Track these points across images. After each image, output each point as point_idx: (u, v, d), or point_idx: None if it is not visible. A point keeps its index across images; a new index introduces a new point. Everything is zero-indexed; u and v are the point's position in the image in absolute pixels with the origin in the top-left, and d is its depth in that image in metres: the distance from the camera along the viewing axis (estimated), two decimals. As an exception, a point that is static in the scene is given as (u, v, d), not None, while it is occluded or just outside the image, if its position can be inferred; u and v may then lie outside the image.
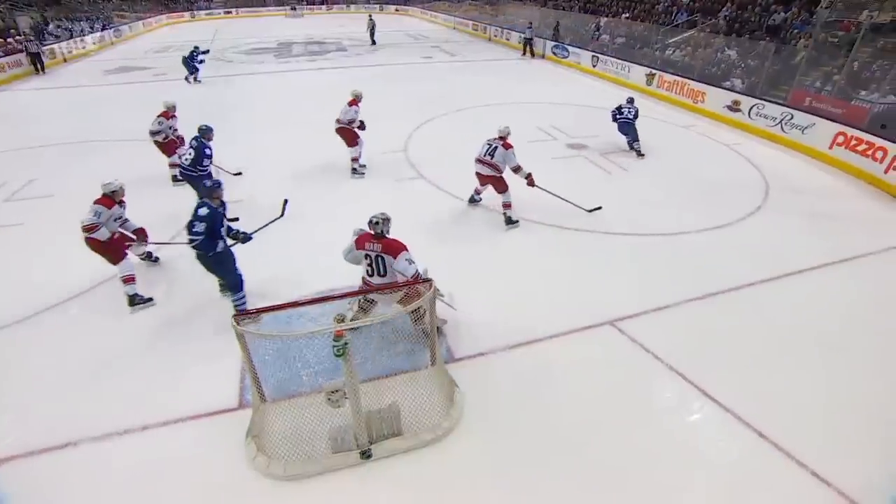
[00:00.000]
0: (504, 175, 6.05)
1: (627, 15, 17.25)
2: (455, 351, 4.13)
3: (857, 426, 3.51)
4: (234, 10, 38.46)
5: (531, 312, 4.61)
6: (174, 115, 7.34)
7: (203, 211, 4.05)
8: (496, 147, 5.92)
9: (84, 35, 21.26)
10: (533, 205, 6.50)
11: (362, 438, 3.16)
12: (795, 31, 11.36)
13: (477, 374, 3.87)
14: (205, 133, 6.14)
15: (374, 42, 22.03)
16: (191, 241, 4.08)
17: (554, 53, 17.87)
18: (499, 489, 3.07)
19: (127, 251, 4.85)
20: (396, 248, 3.75)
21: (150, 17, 31.24)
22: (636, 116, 8.47)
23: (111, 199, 4.73)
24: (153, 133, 7.14)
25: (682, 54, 13.39)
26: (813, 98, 9.71)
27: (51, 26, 20.90)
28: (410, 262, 3.72)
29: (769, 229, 6.21)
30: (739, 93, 10.65)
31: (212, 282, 4.98)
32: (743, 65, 11.57)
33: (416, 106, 11.51)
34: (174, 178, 7.38)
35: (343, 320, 2.76)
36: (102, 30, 23.28)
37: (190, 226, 4.06)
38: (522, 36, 18.89)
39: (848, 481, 3.08)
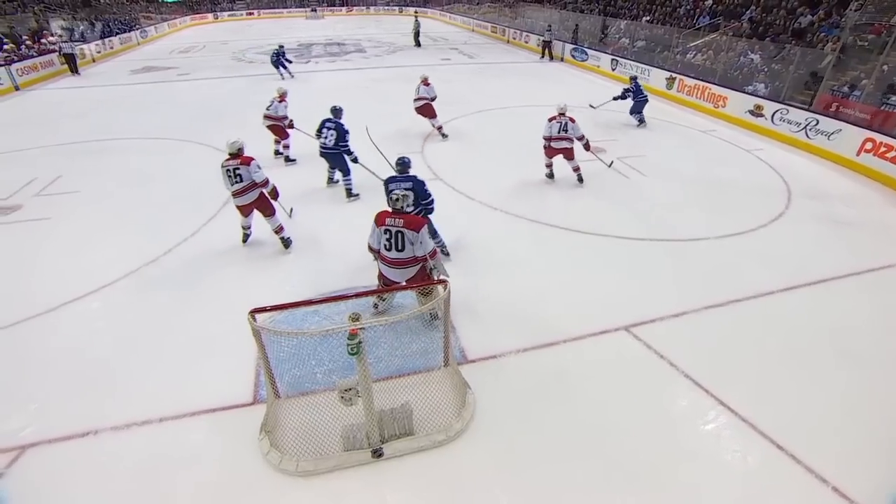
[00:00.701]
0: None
1: (648, 18, 17.07)
2: (468, 352, 4.13)
3: (879, 440, 3.41)
4: (256, 11, 39.15)
5: (545, 315, 4.58)
6: (286, 101, 8.06)
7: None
8: (566, 122, 6.94)
9: (112, 36, 21.82)
10: (553, 210, 6.49)
11: (374, 437, 3.18)
12: (822, 34, 11.10)
13: (489, 376, 3.87)
14: (337, 113, 6.77)
15: (418, 44, 21.68)
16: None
17: (573, 56, 17.77)
18: (509, 492, 3.06)
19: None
20: (418, 223, 3.94)
21: (175, 18, 31.95)
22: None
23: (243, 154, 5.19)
24: (278, 118, 7.88)
25: (704, 58, 13.19)
26: (840, 103, 9.46)
27: (81, 28, 21.51)
28: (428, 237, 3.98)
29: (791, 237, 6.08)
30: (762, 97, 10.45)
31: (228, 276, 5.09)
32: (766, 69, 11.35)
33: (438, 108, 11.51)
34: (287, 159, 8.26)
35: (357, 319, 2.78)
36: (129, 31, 23.88)
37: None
38: (541, 38, 18.84)
39: (868, 496, 3.00)
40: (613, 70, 15.38)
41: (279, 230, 5.60)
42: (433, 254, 4.01)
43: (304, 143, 8.07)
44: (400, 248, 3.93)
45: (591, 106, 10.90)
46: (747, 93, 10.87)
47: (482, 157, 8.51)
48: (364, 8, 42.28)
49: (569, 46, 18.09)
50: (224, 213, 6.52)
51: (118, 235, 6.05)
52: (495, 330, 4.40)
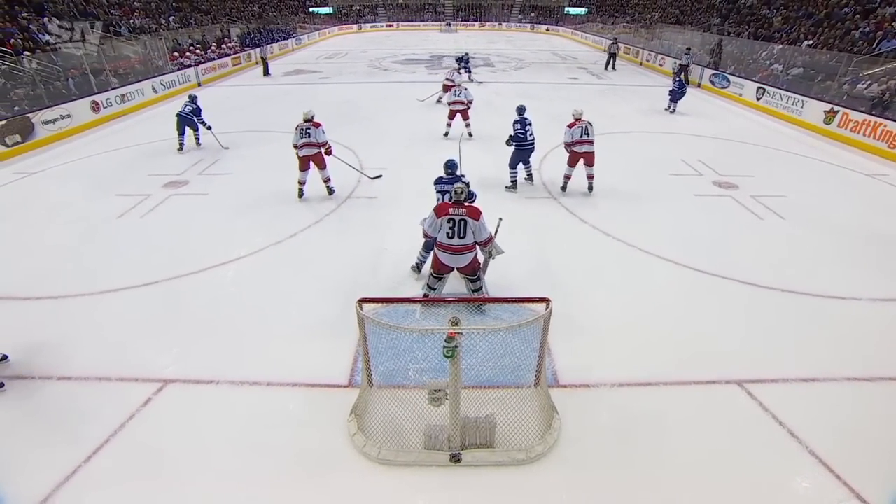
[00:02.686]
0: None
1: (811, 42, 15.17)
2: (561, 377, 4.01)
3: None
4: (395, 23, 42.11)
5: (648, 352, 4.28)
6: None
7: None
8: (587, 125, 7.17)
9: (274, 42, 24.96)
10: (669, 242, 6.07)
11: (455, 442, 3.22)
12: None
13: (580, 405, 3.71)
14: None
15: (613, 68, 20.64)
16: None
17: (711, 83, 16.43)
18: (584, 530, 2.91)
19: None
20: (478, 212, 4.35)
21: (325, 28, 35.63)
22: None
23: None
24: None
25: (881, 89, 11.34)
26: None
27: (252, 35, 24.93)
28: (486, 225, 4.40)
29: (977, 313, 4.98)
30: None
31: (341, 264, 5.52)
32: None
33: (556, 127, 11.41)
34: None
35: (457, 323, 2.86)
36: (287, 38, 27.12)
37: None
38: (678, 62, 17.68)
39: None
40: (758, 100, 13.92)
41: (327, 180, 7.36)
42: (489, 239, 4.44)
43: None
44: (462, 234, 4.31)
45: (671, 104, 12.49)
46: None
47: (596, 180, 8.20)
48: (496, 24, 43.31)
49: (708, 72, 16.77)
50: (344, 208, 7.12)
51: (256, 215, 6.90)
52: (592, 358, 4.21)
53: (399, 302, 4.26)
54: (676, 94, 12.57)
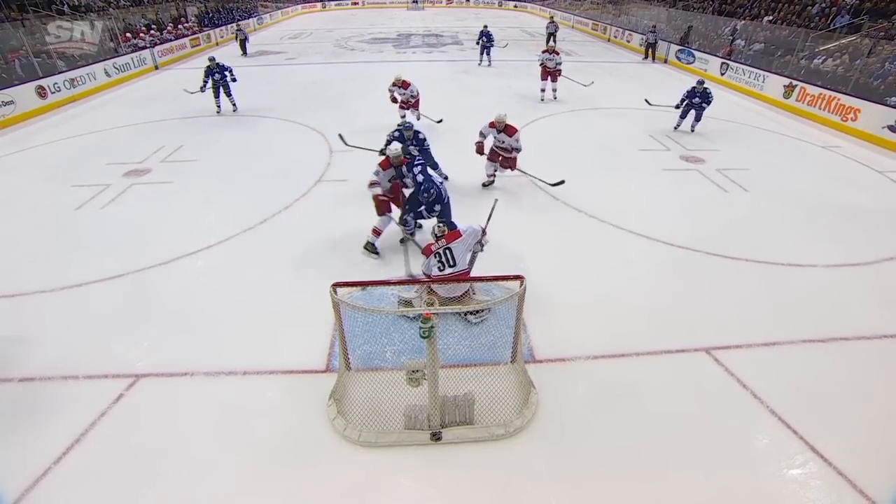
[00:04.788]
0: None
1: (771, 17, 15.50)
2: (537, 352, 4.09)
3: None
4: (360, 0, 40.85)
5: (620, 325, 4.41)
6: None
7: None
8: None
9: (233, 22, 23.93)
10: (637, 217, 6.20)
11: (435, 420, 3.27)
12: None
13: (556, 379, 3.81)
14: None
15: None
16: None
17: (678, 58, 16.66)
18: (559, 496, 3.01)
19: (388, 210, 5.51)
20: (457, 232, 4.31)
21: (287, 6, 34.31)
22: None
23: (389, 161, 5.38)
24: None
25: (836, 64, 11.75)
26: None
27: (210, 14, 23.81)
28: (470, 236, 4.34)
29: (922, 275, 5.30)
30: (907, 112, 9.11)
31: (315, 249, 5.44)
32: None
33: (527, 104, 11.44)
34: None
35: (432, 304, 2.87)
36: (248, 18, 26.03)
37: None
38: (644, 39, 17.87)
39: None
40: (722, 75, 14.23)
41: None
42: (482, 235, 4.39)
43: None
44: (452, 263, 4.25)
45: (647, 102, 10.34)
46: (889, 105, 9.52)
47: (567, 157, 8.28)
48: (464, 1, 42.56)
49: (674, 47, 16.99)
50: (315, 191, 6.98)
51: (224, 202, 6.70)
52: (567, 333, 4.31)
53: (373, 284, 4.24)
54: (685, 112, 9.67)
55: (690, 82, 9.62)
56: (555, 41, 18.75)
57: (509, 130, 6.57)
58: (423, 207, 5.21)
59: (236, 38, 18.84)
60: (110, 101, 12.33)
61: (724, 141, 9.31)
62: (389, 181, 5.38)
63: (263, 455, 3.24)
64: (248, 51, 18.85)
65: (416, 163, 5.37)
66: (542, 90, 11.61)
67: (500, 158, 6.87)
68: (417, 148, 6.42)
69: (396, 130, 6.54)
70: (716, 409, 3.63)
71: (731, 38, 15.66)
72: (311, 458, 3.24)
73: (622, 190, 7.14)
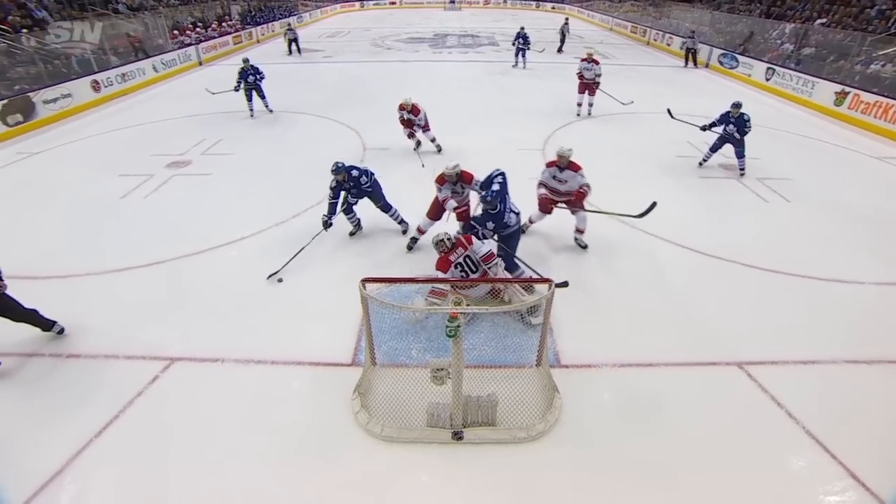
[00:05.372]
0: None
1: (824, 20, 14.79)
2: (562, 357, 4.04)
3: None
4: (398, 0, 41.23)
5: (650, 334, 4.31)
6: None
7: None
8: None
9: (275, 21, 24.58)
10: (670, 224, 6.03)
11: (457, 419, 3.28)
12: None
13: (581, 385, 3.75)
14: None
15: (560, 50, 19.34)
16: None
17: (720, 63, 16.11)
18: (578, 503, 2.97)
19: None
20: (469, 239, 4.25)
21: (326, 5, 34.98)
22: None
23: (444, 178, 5.09)
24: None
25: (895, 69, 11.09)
26: None
27: (253, 13, 24.52)
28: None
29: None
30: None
31: (344, 245, 5.53)
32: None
33: (562, 107, 11.31)
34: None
35: (460, 304, 2.88)
36: (289, 16, 26.66)
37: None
38: (684, 44, 17.22)
39: None
40: (767, 80, 13.67)
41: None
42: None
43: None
44: (474, 269, 4.24)
45: (669, 113, 8.71)
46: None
47: (600, 163, 8.13)
48: (501, 2, 42.39)
49: (717, 51, 16.43)
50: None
51: (259, 195, 6.90)
52: (594, 339, 4.24)
53: (402, 282, 4.28)
54: (717, 145, 7.77)
55: (733, 88, 9.25)
56: (563, 42, 18.67)
57: (573, 167, 5.33)
58: (492, 224, 4.70)
59: (285, 37, 18.68)
60: (156, 96, 12.87)
61: (766, 149, 8.94)
62: (451, 195, 5.17)
63: (287, 442, 3.32)
64: (301, 49, 18.53)
65: (496, 174, 4.87)
66: (579, 104, 10.71)
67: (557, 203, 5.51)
68: (355, 189, 5.52)
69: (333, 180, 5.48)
70: (747, 426, 3.50)
71: (779, 42, 15.02)
72: (334, 448, 3.30)
73: (658, 196, 6.92)
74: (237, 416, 3.53)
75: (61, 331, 4.26)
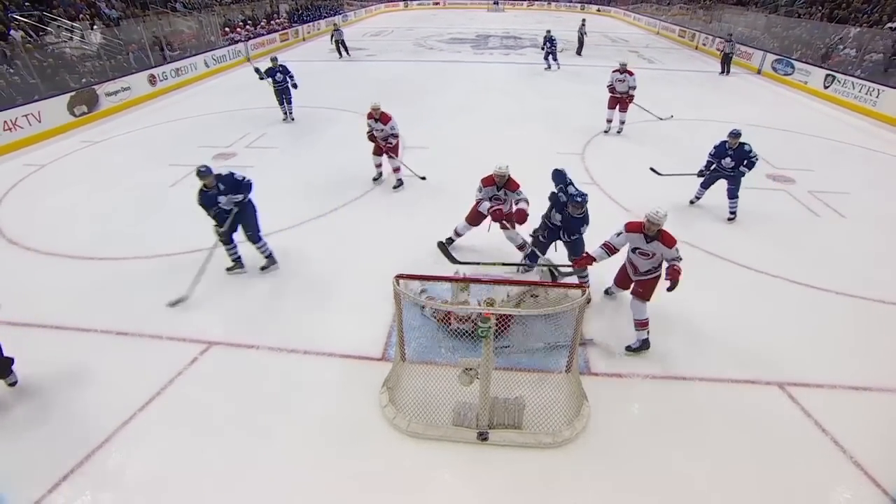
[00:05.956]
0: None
1: (895, 24, 13.85)
2: (593, 365, 3.98)
3: None
4: (441, 0, 41.43)
5: (685, 346, 4.19)
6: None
7: None
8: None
9: (321, 19, 25.17)
10: (714, 237, 5.82)
11: (483, 420, 3.28)
12: None
13: (611, 394, 3.69)
14: None
15: (579, 53, 19.10)
16: None
17: (774, 69, 15.37)
18: (605, 518, 2.92)
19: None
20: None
21: (371, 4, 35.55)
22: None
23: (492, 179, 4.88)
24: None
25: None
26: None
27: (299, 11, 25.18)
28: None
29: None
30: None
31: (378, 241, 5.60)
32: None
33: (598, 110, 11.08)
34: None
35: (492, 304, 2.87)
36: (334, 15, 27.25)
37: None
38: (721, 48, 15.93)
39: None
40: (826, 88, 12.95)
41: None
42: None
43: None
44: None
45: (655, 171, 7.10)
46: None
47: (638, 169, 7.92)
48: (545, 3, 41.93)
49: (770, 57, 15.69)
50: (383, 187, 7.20)
51: (299, 189, 7.10)
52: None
53: (435, 280, 4.30)
54: (709, 181, 6.58)
55: (785, 95, 8.79)
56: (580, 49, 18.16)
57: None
58: (566, 236, 4.54)
59: (332, 38, 17.94)
60: (207, 90, 13.42)
61: (821, 160, 8.50)
62: (490, 199, 4.99)
63: (315, 431, 3.41)
64: (349, 50, 18.03)
65: (567, 179, 4.65)
66: (609, 121, 9.61)
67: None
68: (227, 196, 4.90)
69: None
70: (786, 450, 3.34)
71: (841, 47, 14.18)
72: (360, 440, 3.36)
73: (701, 207, 6.73)
74: (269, 401, 3.65)
75: (14, 383, 3.73)
